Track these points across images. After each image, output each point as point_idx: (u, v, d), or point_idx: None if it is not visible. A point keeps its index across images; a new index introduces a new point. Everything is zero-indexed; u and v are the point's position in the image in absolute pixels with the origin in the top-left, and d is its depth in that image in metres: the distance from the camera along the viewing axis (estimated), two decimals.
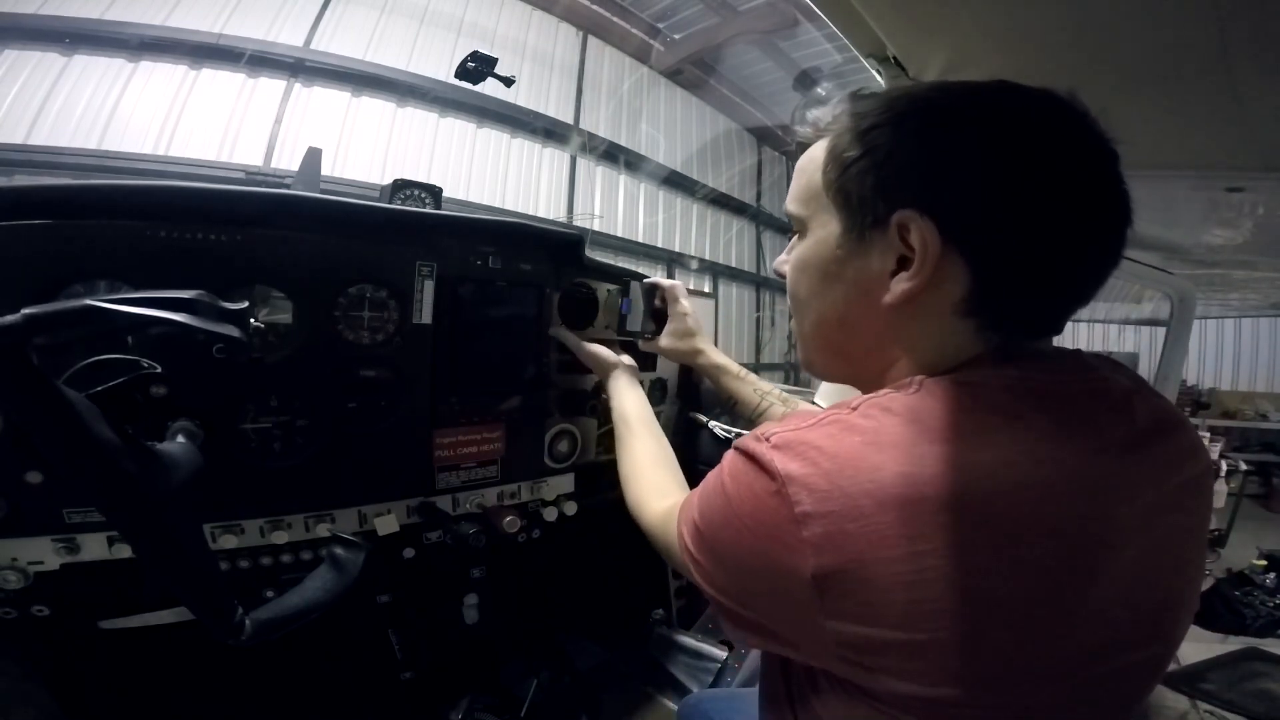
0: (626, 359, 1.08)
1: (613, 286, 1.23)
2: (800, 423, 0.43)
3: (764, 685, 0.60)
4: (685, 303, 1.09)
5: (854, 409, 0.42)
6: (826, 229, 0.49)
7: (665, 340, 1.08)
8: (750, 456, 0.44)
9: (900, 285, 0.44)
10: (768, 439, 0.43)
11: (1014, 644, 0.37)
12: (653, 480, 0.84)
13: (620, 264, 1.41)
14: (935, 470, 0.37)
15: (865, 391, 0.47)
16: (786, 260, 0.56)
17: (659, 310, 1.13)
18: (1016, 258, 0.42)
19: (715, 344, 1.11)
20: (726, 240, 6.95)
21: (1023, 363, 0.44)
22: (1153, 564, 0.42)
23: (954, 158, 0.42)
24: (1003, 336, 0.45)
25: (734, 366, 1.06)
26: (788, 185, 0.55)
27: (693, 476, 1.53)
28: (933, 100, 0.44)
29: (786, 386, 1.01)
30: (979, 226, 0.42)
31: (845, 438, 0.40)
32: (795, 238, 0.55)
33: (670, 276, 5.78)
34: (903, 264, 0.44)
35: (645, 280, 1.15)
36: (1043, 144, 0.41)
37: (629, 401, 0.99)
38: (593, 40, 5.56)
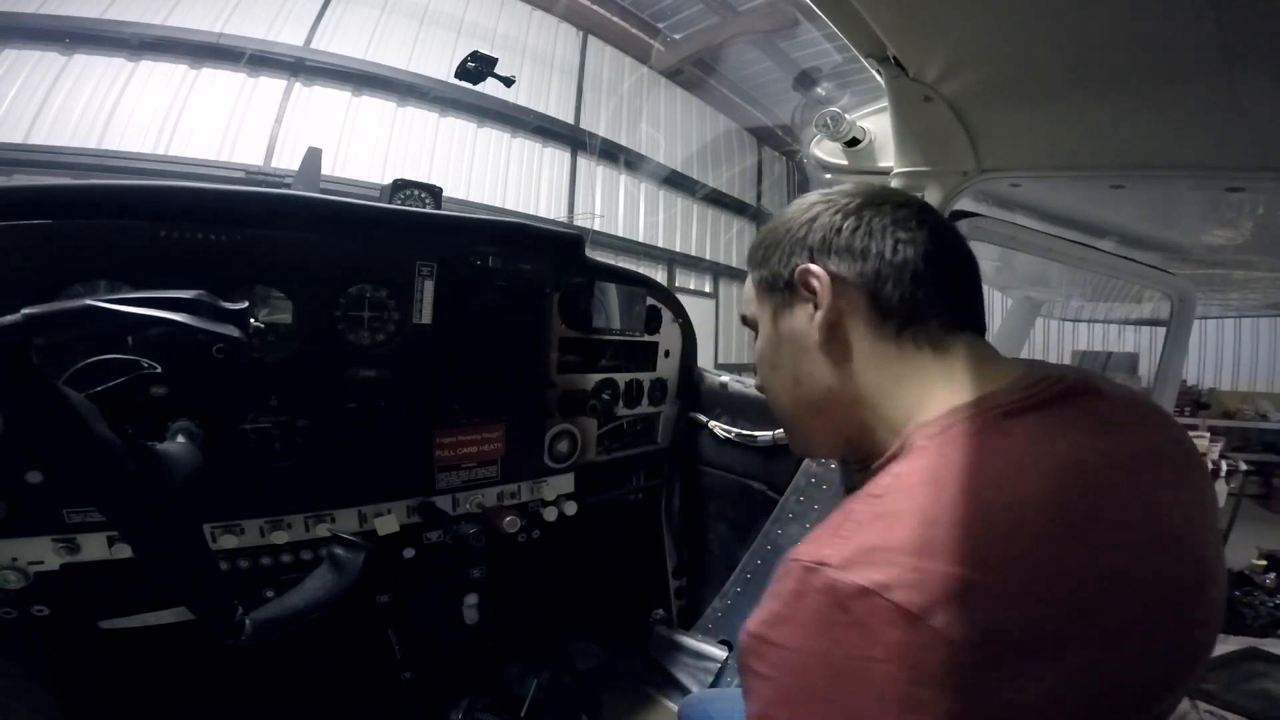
0: None
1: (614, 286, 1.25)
2: (833, 534, 0.41)
3: None
4: None
5: (856, 499, 0.44)
6: (765, 315, 0.62)
7: None
8: (833, 597, 0.38)
9: (817, 320, 0.54)
10: (826, 563, 0.39)
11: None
12: None
13: (620, 264, 1.42)
14: (957, 492, 0.40)
15: (856, 446, 0.56)
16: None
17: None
18: (883, 267, 0.53)
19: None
20: (727, 240, 6.95)
21: (996, 395, 0.48)
22: (1155, 518, 0.45)
23: (811, 225, 0.57)
24: (919, 327, 0.52)
25: None
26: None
27: (693, 476, 1.56)
28: (785, 215, 0.61)
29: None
30: (847, 253, 0.54)
31: (878, 521, 0.41)
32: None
33: (670, 276, 5.82)
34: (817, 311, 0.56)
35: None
36: (859, 199, 0.57)
37: None
38: (593, 40, 5.56)
